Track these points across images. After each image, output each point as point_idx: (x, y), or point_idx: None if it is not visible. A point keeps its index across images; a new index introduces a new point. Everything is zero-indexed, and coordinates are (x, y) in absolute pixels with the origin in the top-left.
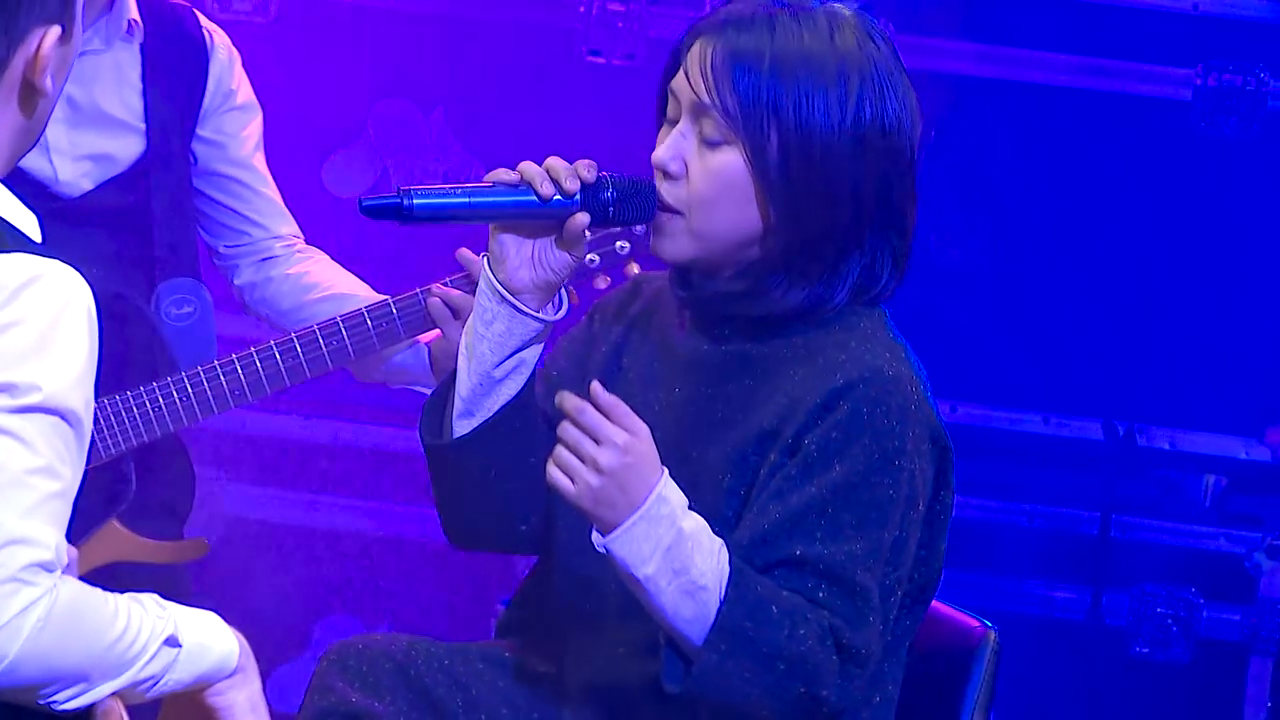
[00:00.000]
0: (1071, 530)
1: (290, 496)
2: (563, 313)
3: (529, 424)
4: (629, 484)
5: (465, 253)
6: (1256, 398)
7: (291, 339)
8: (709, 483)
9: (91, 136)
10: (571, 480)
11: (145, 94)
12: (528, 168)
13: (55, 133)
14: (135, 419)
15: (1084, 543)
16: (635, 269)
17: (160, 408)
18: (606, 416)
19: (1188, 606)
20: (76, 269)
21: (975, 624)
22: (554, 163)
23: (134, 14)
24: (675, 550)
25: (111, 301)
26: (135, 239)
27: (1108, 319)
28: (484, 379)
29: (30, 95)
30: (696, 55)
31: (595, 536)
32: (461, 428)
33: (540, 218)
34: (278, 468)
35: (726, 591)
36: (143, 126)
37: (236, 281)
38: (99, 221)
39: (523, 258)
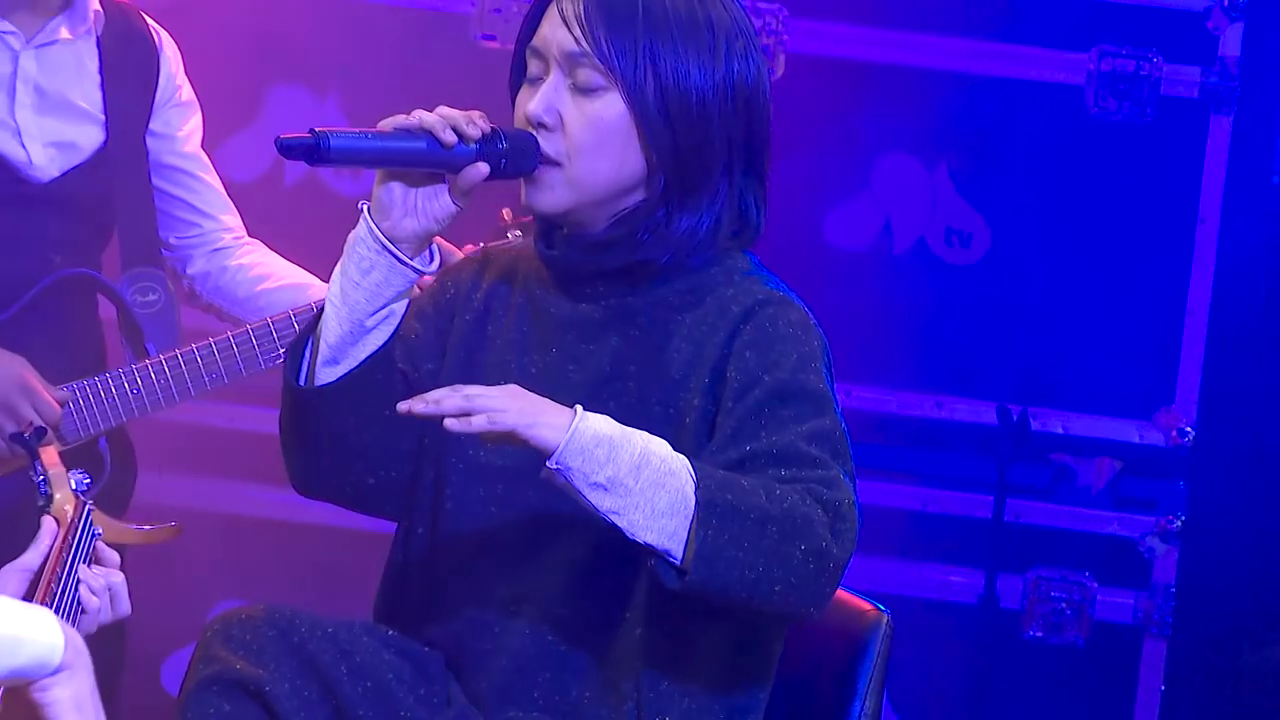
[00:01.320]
0: (965, 514)
1: (204, 484)
2: (435, 265)
3: (389, 378)
4: (546, 406)
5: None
6: (1149, 381)
7: (249, 331)
8: None
9: (57, 124)
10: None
11: (103, 86)
12: (427, 116)
13: (25, 118)
14: (114, 401)
15: (978, 527)
16: (507, 213)
17: (139, 391)
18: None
19: (1081, 590)
20: (48, 253)
21: (868, 607)
22: (449, 111)
23: (96, 5)
24: (626, 445)
25: (85, 282)
26: (100, 227)
27: (1001, 302)
28: (355, 327)
29: None
30: (565, 7)
31: (546, 466)
32: (326, 375)
33: (441, 165)
34: (190, 453)
35: (694, 474)
36: (102, 118)
37: (189, 271)
38: (67, 207)
39: (408, 207)
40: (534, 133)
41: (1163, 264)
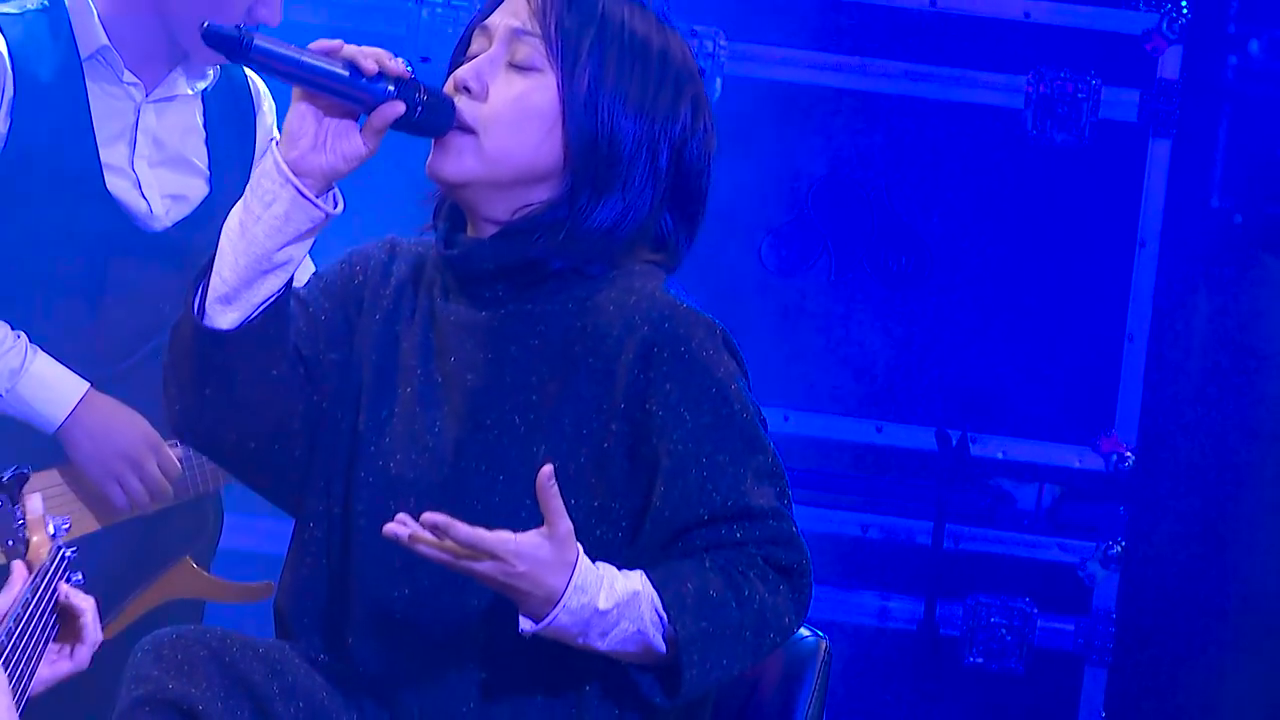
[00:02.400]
0: (905, 540)
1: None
2: (339, 209)
3: (283, 334)
4: (533, 587)
5: None
6: (1089, 407)
7: None
8: (519, 454)
9: (169, 175)
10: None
11: (208, 140)
12: (351, 47)
13: (142, 169)
14: None
15: (917, 553)
16: None
17: None
18: (490, 553)
19: (1022, 616)
20: (159, 304)
21: (807, 634)
22: (373, 49)
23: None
24: (601, 621)
25: None
26: None
27: (940, 326)
28: (251, 264)
29: None
30: None
31: (522, 622)
32: (220, 316)
33: (357, 97)
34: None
35: (664, 610)
36: (207, 172)
37: None
38: (176, 258)
39: (318, 140)
40: (456, 97)
41: (1102, 288)
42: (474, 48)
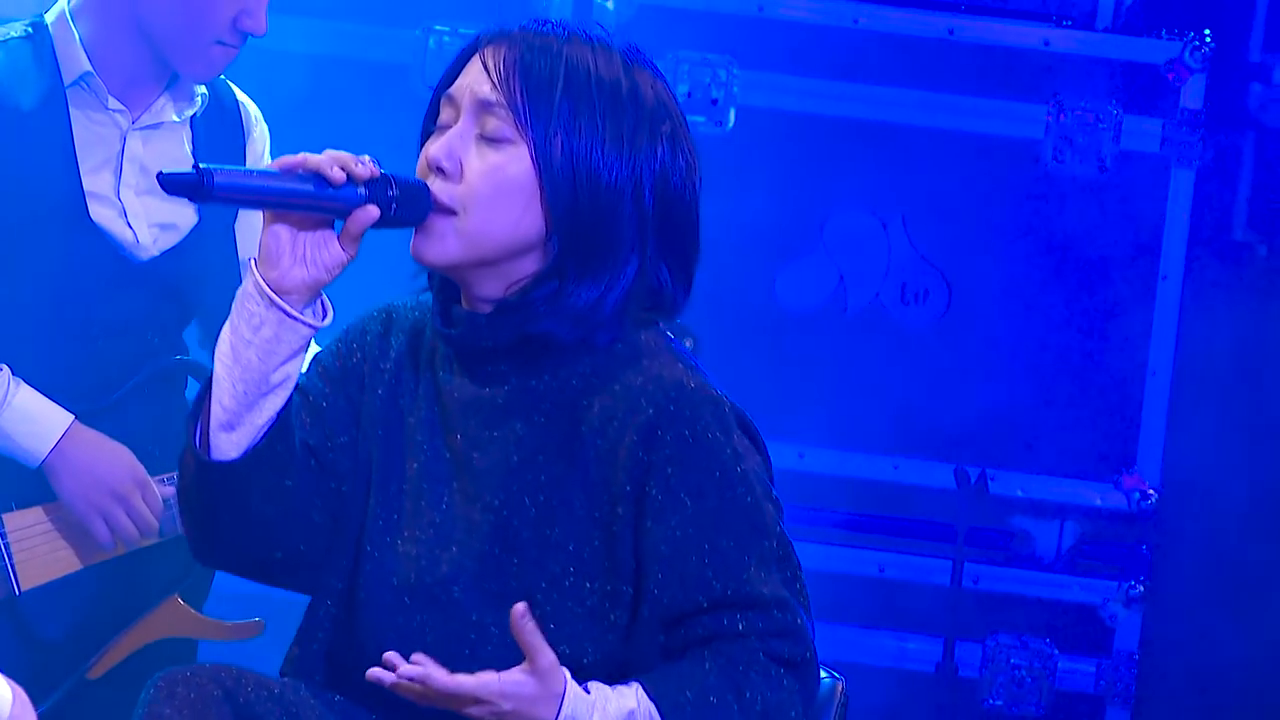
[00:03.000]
0: (922, 579)
1: None
2: (329, 320)
3: (289, 447)
4: (528, 717)
5: None
6: (1111, 442)
7: None
8: (531, 537)
9: (156, 204)
10: None
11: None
12: (314, 157)
13: (128, 198)
14: None
15: (935, 592)
16: None
17: None
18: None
19: (1042, 658)
20: (147, 334)
21: (824, 676)
22: (338, 152)
23: (203, 88)
24: None
25: (184, 369)
26: (188, 308)
27: (958, 362)
28: (249, 389)
29: None
30: (486, 57)
31: None
32: (225, 444)
33: (329, 208)
34: None
35: None
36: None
37: None
38: (163, 288)
39: (296, 255)
40: (430, 178)
41: (1124, 321)
42: (442, 117)
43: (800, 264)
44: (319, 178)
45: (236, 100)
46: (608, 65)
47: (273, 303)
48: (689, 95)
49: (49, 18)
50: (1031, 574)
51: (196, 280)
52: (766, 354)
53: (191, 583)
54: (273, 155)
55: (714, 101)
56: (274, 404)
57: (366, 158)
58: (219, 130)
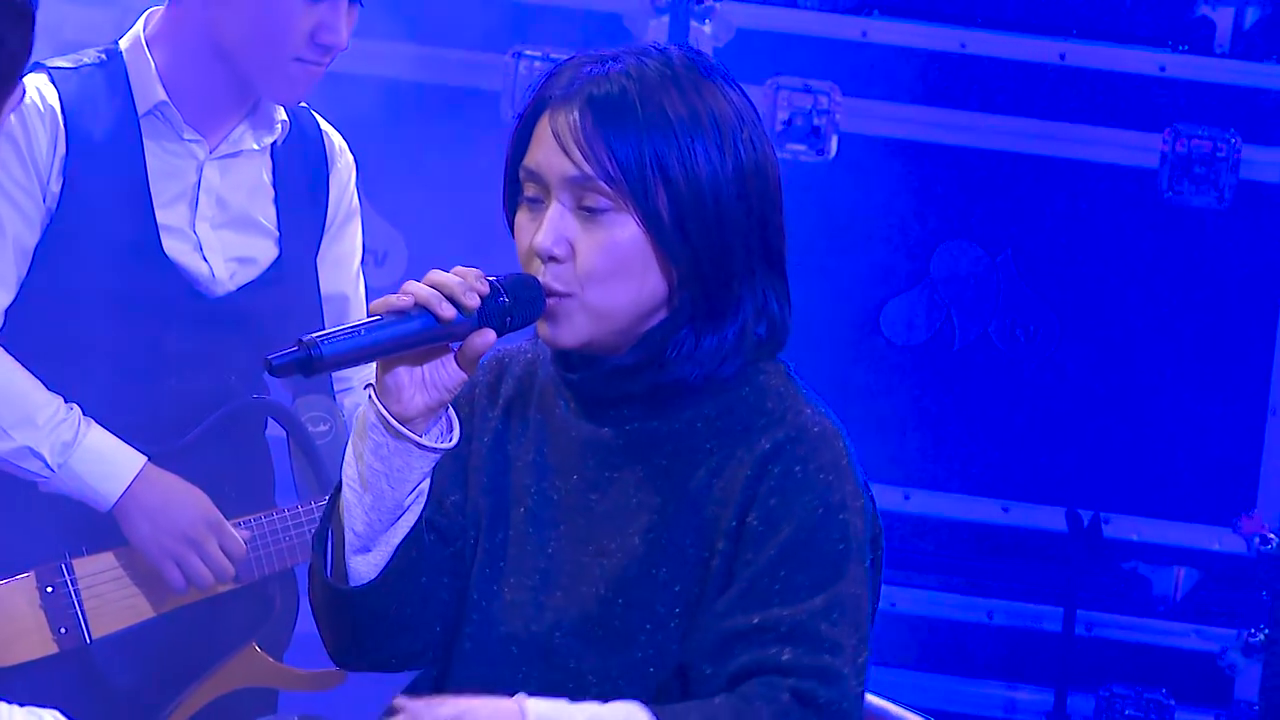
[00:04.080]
0: (1033, 627)
1: None
2: (457, 437)
3: (422, 548)
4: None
5: None
6: (1229, 485)
7: None
8: (639, 575)
9: (235, 237)
10: None
11: (277, 199)
12: (421, 291)
13: (204, 231)
14: (291, 542)
15: (1047, 640)
16: None
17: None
18: None
19: (1158, 709)
20: (224, 373)
21: None
22: (444, 279)
23: (282, 115)
24: None
25: (263, 408)
26: (270, 347)
27: (1070, 400)
28: (384, 515)
29: None
30: (559, 127)
31: None
32: (361, 566)
33: (441, 340)
34: None
35: None
36: (276, 233)
37: (346, 403)
38: (241, 325)
39: (415, 384)
40: (542, 267)
41: (1243, 359)
42: (528, 190)
43: (906, 298)
44: (428, 315)
45: (320, 130)
46: (680, 92)
47: (400, 434)
48: (789, 123)
49: (123, 44)
50: (1147, 621)
51: (277, 317)
52: (871, 391)
53: (270, 629)
54: (358, 188)
55: (815, 129)
56: (409, 521)
57: (472, 274)
58: (301, 160)
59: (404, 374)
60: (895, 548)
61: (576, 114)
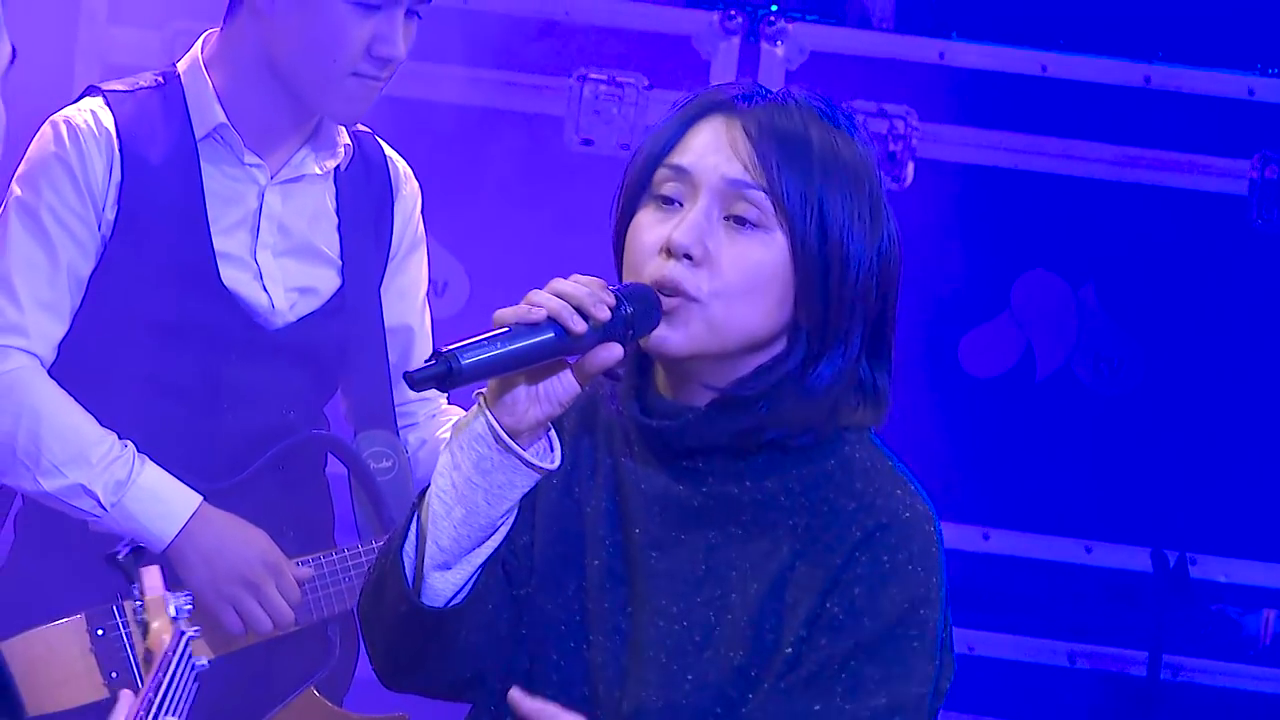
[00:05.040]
0: (1117, 672)
1: None
2: (558, 455)
3: (496, 576)
4: None
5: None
6: None
7: None
8: (712, 657)
9: (296, 266)
10: None
11: (340, 227)
12: (551, 303)
13: (265, 259)
14: (351, 583)
15: (1131, 685)
16: None
17: None
18: None
19: None
20: (282, 407)
21: None
22: (571, 290)
23: (345, 139)
24: None
25: (323, 444)
26: (328, 380)
27: (1155, 435)
28: (473, 531)
29: None
30: (731, 130)
31: None
32: (439, 583)
33: (569, 354)
34: None
35: None
36: (339, 262)
37: (411, 438)
38: (300, 357)
39: (530, 397)
40: (667, 262)
41: None
42: (667, 188)
43: (985, 330)
44: (559, 327)
45: (384, 156)
46: (845, 142)
47: (509, 449)
48: None
49: (181, 67)
50: (1236, 665)
51: (338, 349)
52: (948, 426)
53: (330, 673)
54: (425, 214)
55: (891, 155)
56: (494, 542)
57: (597, 284)
58: (365, 187)
59: (521, 385)
60: (974, 589)
61: (756, 125)
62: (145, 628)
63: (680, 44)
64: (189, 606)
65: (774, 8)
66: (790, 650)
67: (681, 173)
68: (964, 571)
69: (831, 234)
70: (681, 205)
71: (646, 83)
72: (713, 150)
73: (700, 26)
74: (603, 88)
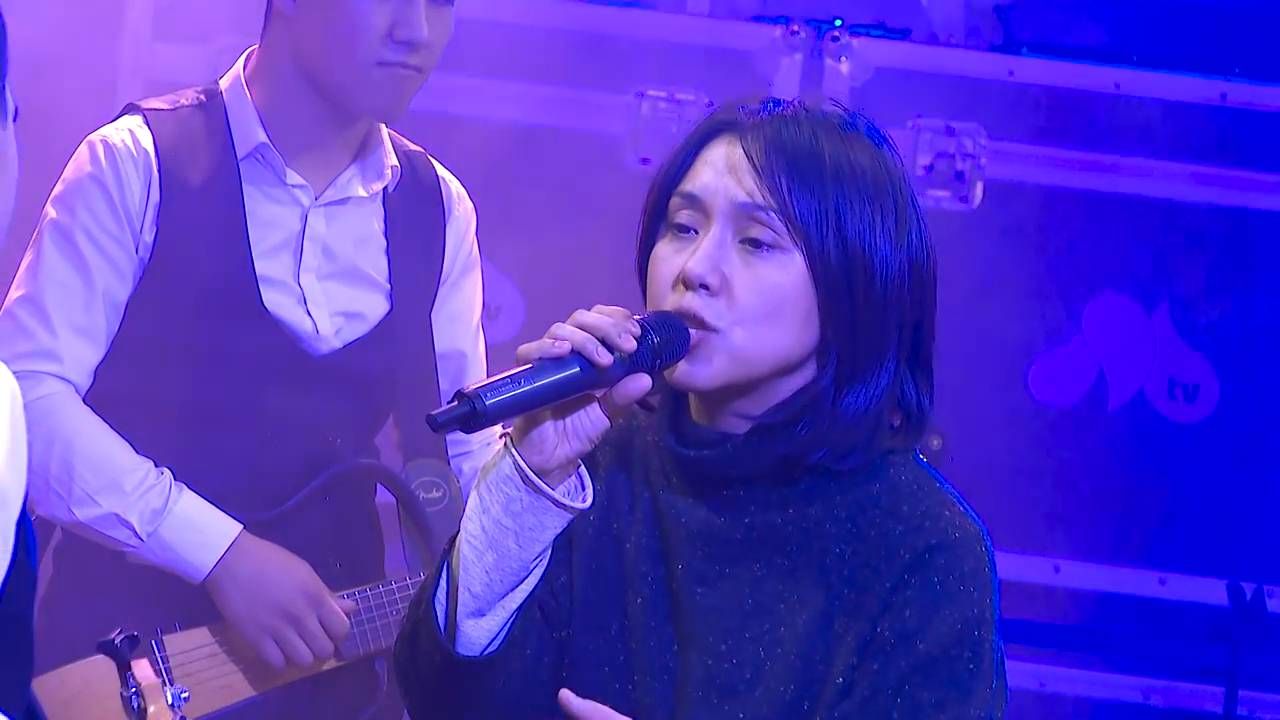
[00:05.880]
0: (1193, 708)
1: None
2: (590, 495)
3: (532, 620)
4: None
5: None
6: None
7: None
8: (764, 694)
9: (342, 290)
10: None
11: (388, 250)
12: (575, 335)
13: (309, 283)
14: (398, 615)
15: None
16: None
17: None
18: None
19: None
20: (328, 435)
21: None
22: (595, 321)
23: (394, 159)
24: None
25: (370, 473)
26: (377, 408)
27: (1232, 464)
28: (505, 576)
29: None
30: (738, 152)
31: None
32: (474, 631)
33: (597, 387)
34: None
35: None
36: (387, 286)
37: (465, 468)
38: (347, 384)
39: (559, 434)
40: (683, 294)
41: None
42: (680, 216)
43: (1056, 355)
44: (584, 361)
45: (437, 176)
46: (862, 149)
47: (538, 490)
48: (930, 168)
49: (223, 84)
50: None
51: (387, 375)
52: (1018, 455)
53: (378, 710)
54: (478, 236)
55: (959, 175)
56: (529, 586)
57: (619, 312)
58: (416, 208)
59: (549, 423)
60: (1044, 623)
61: (762, 144)
62: (142, 714)
63: (741, 60)
64: (185, 696)
65: (838, 22)
66: (842, 680)
67: (693, 200)
68: (1034, 605)
69: (852, 246)
70: (697, 233)
71: (707, 100)
72: (720, 174)
73: (762, 42)
74: (662, 105)
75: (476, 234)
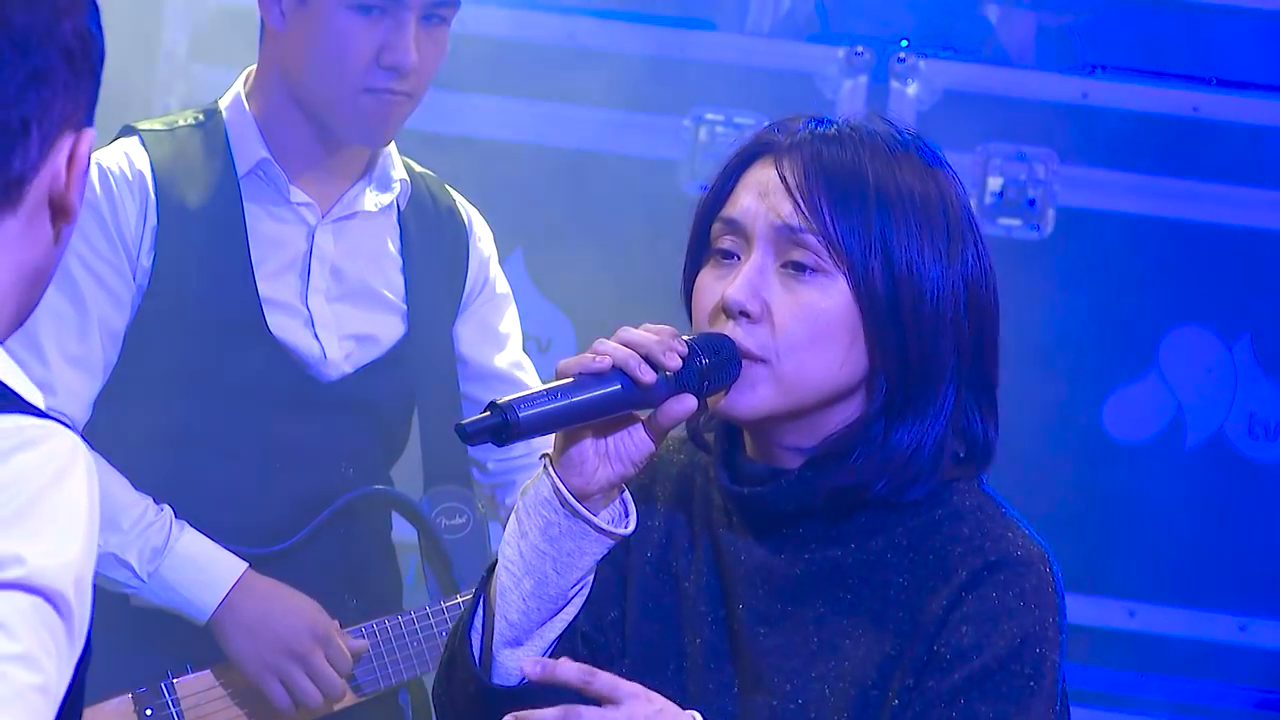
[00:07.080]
0: None
1: None
2: (633, 521)
3: (574, 651)
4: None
5: None
6: None
7: None
8: (819, 717)
9: (352, 312)
10: None
11: (405, 269)
12: (618, 352)
13: (317, 305)
14: (419, 646)
15: None
16: None
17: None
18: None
19: None
20: (339, 464)
21: None
22: (639, 338)
23: (402, 173)
24: None
25: (384, 501)
26: (394, 435)
27: None
28: (543, 604)
29: (60, 219)
30: (778, 173)
31: None
32: (510, 662)
33: (638, 407)
34: None
35: None
36: (404, 307)
37: (509, 501)
38: (359, 411)
39: (600, 456)
40: (726, 323)
41: None
42: (722, 243)
43: (1132, 390)
44: (626, 378)
45: (454, 203)
46: (911, 169)
47: (577, 514)
48: (1001, 195)
49: (222, 103)
50: None
51: (403, 401)
52: (1092, 493)
53: None
54: (526, 266)
55: (1031, 202)
56: (568, 615)
57: (667, 331)
58: (435, 227)
59: (589, 443)
60: (1118, 671)
61: (802, 164)
62: None
63: (802, 82)
64: None
65: (904, 43)
66: (897, 701)
67: (734, 225)
68: (1108, 651)
69: (898, 268)
70: (740, 259)
71: (767, 123)
72: (761, 196)
73: (824, 64)
74: (719, 129)
75: (524, 263)
